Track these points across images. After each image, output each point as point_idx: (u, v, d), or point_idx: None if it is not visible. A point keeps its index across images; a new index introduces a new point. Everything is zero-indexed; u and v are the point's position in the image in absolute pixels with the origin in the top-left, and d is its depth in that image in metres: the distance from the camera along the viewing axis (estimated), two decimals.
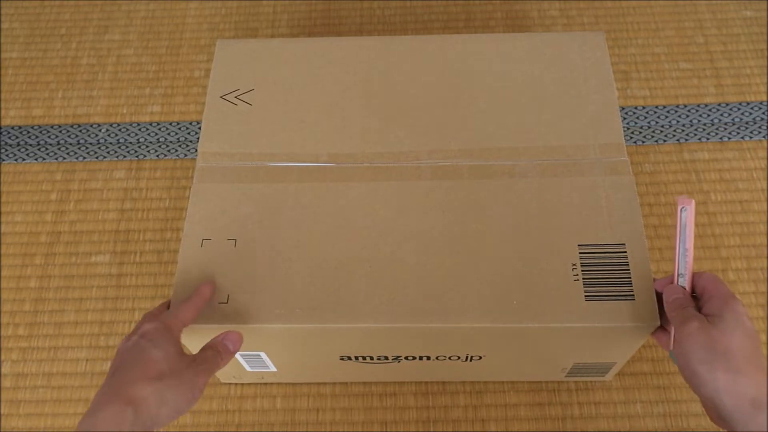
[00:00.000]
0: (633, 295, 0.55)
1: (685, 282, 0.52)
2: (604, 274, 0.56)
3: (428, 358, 0.64)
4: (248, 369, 0.67)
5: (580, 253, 0.57)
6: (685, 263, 0.52)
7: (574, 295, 0.56)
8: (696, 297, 0.52)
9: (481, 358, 0.63)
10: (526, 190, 0.61)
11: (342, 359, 0.64)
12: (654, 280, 0.55)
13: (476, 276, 0.57)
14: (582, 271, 0.57)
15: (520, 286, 0.56)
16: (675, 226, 0.53)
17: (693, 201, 0.52)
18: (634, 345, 0.60)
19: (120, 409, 0.43)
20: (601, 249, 0.58)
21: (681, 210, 0.53)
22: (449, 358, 0.63)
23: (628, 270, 0.56)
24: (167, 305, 0.56)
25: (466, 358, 0.63)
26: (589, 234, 0.58)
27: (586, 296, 0.56)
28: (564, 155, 0.62)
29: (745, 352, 0.45)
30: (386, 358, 0.64)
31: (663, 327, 0.54)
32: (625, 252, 0.57)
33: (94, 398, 0.45)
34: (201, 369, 0.48)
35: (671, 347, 0.50)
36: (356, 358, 0.64)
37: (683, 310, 0.50)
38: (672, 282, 0.53)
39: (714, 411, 0.46)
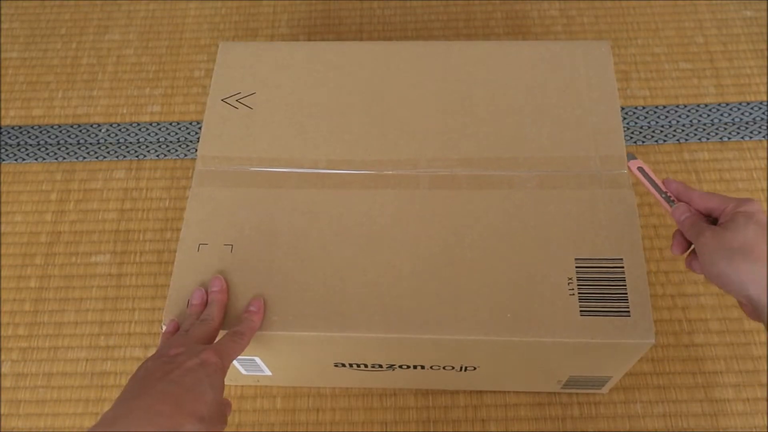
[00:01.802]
0: (629, 311, 0.55)
1: None
2: (601, 289, 0.56)
3: (422, 367, 0.63)
4: (243, 372, 0.67)
5: (577, 267, 0.57)
6: (671, 201, 0.55)
7: (569, 309, 0.55)
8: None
9: (475, 368, 0.63)
10: (524, 202, 0.60)
11: (336, 366, 0.64)
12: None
13: (471, 287, 0.57)
14: (578, 285, 0.56)
15: (515, 299, 0.56)
16: (643, 185, 0.57)
17: (639, 159, 0.59)
18: (629, 361, 0.60)
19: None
20: (598, 263, 0.57)
21: (638, 169, 0.58)
22: (443, 368, 0.63)
23: (625, 285, 0.56)
24: (216, 313, 0.55)
25: (461, 368, 0.63)
26: (586, 248, 0.58)
27: (581, 311, 0.55)
28: (564, 167, 0.62)
29: (761, 243, 0.47)
30: (380, 366, 0.64)
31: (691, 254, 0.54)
32: (623, 267, 0.57)
33: (139, 387, 0.46)
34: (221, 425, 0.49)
35: (692, 266, 0.52)
36: (350, 365, 0.64)
37: (694, 225, 0.51)
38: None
39: (748, 306, 0.48)
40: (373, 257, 0.58)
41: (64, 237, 0.82)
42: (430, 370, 0.64)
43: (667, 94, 0.89)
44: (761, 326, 0.74)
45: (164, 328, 0.56)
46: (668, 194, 0.55)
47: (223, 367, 0.50)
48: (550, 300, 0.56)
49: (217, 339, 0.54)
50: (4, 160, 0.88)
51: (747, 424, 0.69)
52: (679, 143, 0.85)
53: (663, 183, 0.56)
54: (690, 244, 0.53)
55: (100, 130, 0.90)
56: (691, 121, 0.87)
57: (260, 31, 0.97)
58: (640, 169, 0.58)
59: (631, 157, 0.59)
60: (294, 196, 0.62)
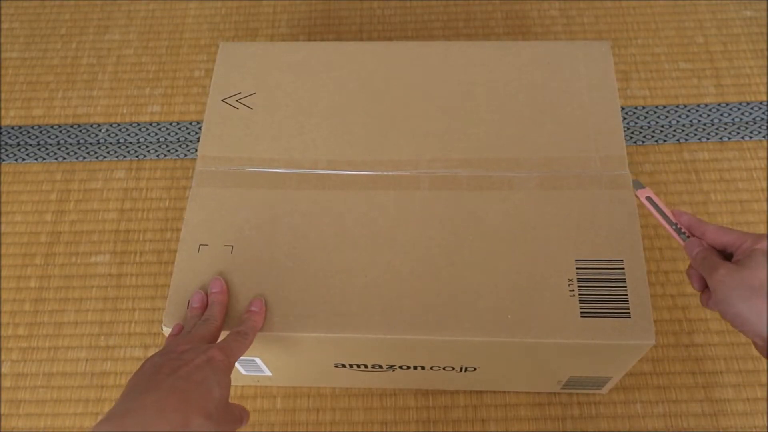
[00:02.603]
0: (629, 313, 0.55)
1: None
2: (601, 291, 0.56)
3: (422, 368, 0.63)
4: (243, 372, 0.67)
5: (577, 268, 0.57)
6: (682, 233, 0.54)
7: (569, 310, 0.55)
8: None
9: (475, 369, 0.63)
10: (525, 202, 0.60)
11: (336, 366, 0.64)
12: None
13: (471, 289, 0.57)
14: (578, 286, 0.56)
15: (516, 301, 0.56)
16: (652, 215, 0.55)
17: (647, 187, 0.56)
18: (629, 362, 0.60)
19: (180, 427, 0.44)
20: (598, 264, 0.57)
21: (647, 199, 0.56)
22: (443, 368, 0.63)
23: (625, 287, 0.56)
24: (219, 312, 0.55)
25: (461, 369, 0.63)
26: (586, 249, 0.58)
27: (581, 312, 0.55)
28: (564, 167, 0.62)
29: None
30: (380, 366, 0.64)
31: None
32: (623, 268, 0.57)
33: (147, 382, 0.46)
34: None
35: (708, 304, 0.51)
36: (350, 365, 0.64)
37: (708, 261, 0.49)
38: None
39: (763, 347, 0.46)
40: (373, 258, 0.58)
41: (64, 237, 0.82)
42: (430, 370, 0.64)
43: (667, 94, 0.89)
44: None
45: (165, 329, 0.56)
46: (679, 226, 0.54)
47: (229, 365, 0.50)
48: (550, 301, 0.56)
49: (219, 339, 0.54)
50: (4, 160, 0.88)
51: (747, 424, 0.69)
52: (679, 143, 0.85)
53: (673, 214, 0.54)
54: None
55: (100, 130, 0.90)
56: (691, 121, 0.87)
57: (260, 31, 0.97)
58: (649, 198, 0.56)
59: (638, 185, 0.58)
60: (294, 197, 0.62)
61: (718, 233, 0.51)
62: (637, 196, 0.58)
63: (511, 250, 0.58)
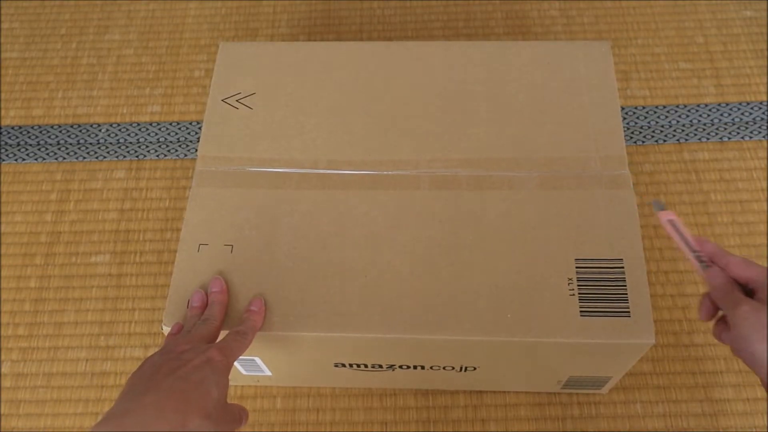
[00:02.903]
0: (629, 312, 0.55)
1: None
2: (601, 290, 0.56)
3: (422, 367, 0.63)
4: (243, 372, 0.67)
5: (577, 267, 0.57)
6: (702, 260, 0.52)
7: (569, 310, 0.55)
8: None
9: (475, 369, 0.63)
10: (525, 202, 0.60)
11: (336, 366, 0.64)
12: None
13: (471, 288, 0.57)
14: (578, 286, 0.56)
15: (515, 300, 0.56)
16: (672, 238, 0.53)
17: (670, 210, 0.54)
18: (629, 361, 0.60)
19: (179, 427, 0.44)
20: (598, 264, 0.57)
21: (668, 222, 0.53)
22: (443, 368, 0.63)
23: (625, 286, 0.56)
24: (219, 311, 0.55)
25: (461, 368, 0.63)
26: (586, 248, 0.58)
27: (581, 312, 0.55)
28: (564, 167, 0.62)
29: None
30: (380, 366, 0.64)
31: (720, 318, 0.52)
32: (623, 268, 0.57)
33: (146, 382, 0.46)
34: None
35: (722, 337, 0.50)
36: (350, 365, 0.64)
37: (731, 294, 0.48)
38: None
39: None
40: (373, 257, 0.58)
41: (64, 237, 0.82)
42: (430, 370, 0.64)
43: (667, 94, 0.89)
44: None
45: (165, 328, 0.56)
46: (699, 253, 0.52)
47: (228, 366, 0.50)
48: (550, 300, 0.56)
49: (218, 339, 0.54)
50: (4, 160, 0.88)
51: (747, 424, 0.69)
52: (679, 143, 0.85)
53: (696, 241, 0.52)
54: (717, 309, 0.51)
55: (100, 130, 0.90)
56: (691, 121, 0.87)
57: (260, 31, 0.97)
58: (671, 221, 0.54)
59: (659, 207, 0.56)
60: (294, 197, 0.62)
61: (741, 267, 0.49)
62: (658, 216, 0.56)
63: (511, 250, 0.58)
